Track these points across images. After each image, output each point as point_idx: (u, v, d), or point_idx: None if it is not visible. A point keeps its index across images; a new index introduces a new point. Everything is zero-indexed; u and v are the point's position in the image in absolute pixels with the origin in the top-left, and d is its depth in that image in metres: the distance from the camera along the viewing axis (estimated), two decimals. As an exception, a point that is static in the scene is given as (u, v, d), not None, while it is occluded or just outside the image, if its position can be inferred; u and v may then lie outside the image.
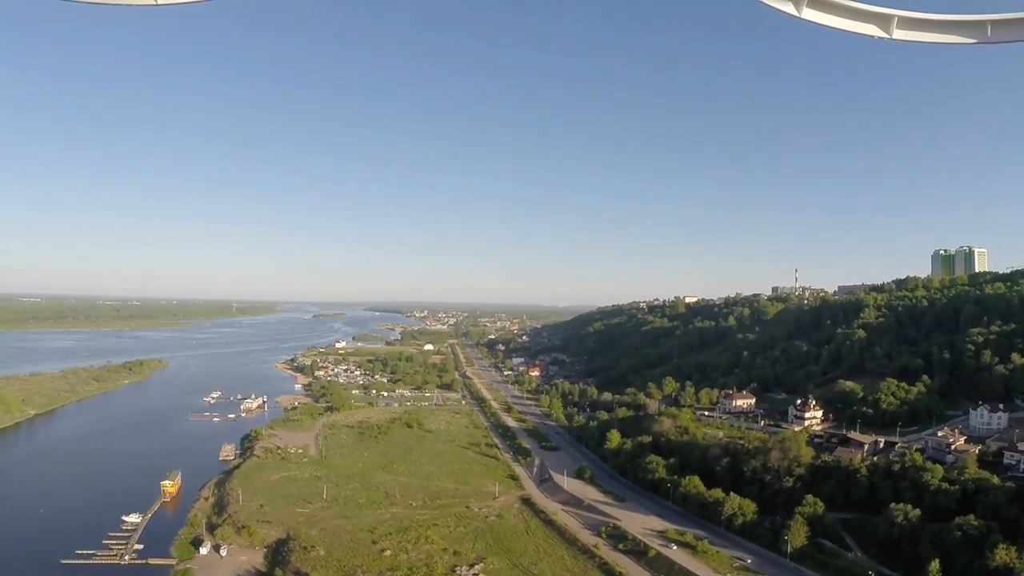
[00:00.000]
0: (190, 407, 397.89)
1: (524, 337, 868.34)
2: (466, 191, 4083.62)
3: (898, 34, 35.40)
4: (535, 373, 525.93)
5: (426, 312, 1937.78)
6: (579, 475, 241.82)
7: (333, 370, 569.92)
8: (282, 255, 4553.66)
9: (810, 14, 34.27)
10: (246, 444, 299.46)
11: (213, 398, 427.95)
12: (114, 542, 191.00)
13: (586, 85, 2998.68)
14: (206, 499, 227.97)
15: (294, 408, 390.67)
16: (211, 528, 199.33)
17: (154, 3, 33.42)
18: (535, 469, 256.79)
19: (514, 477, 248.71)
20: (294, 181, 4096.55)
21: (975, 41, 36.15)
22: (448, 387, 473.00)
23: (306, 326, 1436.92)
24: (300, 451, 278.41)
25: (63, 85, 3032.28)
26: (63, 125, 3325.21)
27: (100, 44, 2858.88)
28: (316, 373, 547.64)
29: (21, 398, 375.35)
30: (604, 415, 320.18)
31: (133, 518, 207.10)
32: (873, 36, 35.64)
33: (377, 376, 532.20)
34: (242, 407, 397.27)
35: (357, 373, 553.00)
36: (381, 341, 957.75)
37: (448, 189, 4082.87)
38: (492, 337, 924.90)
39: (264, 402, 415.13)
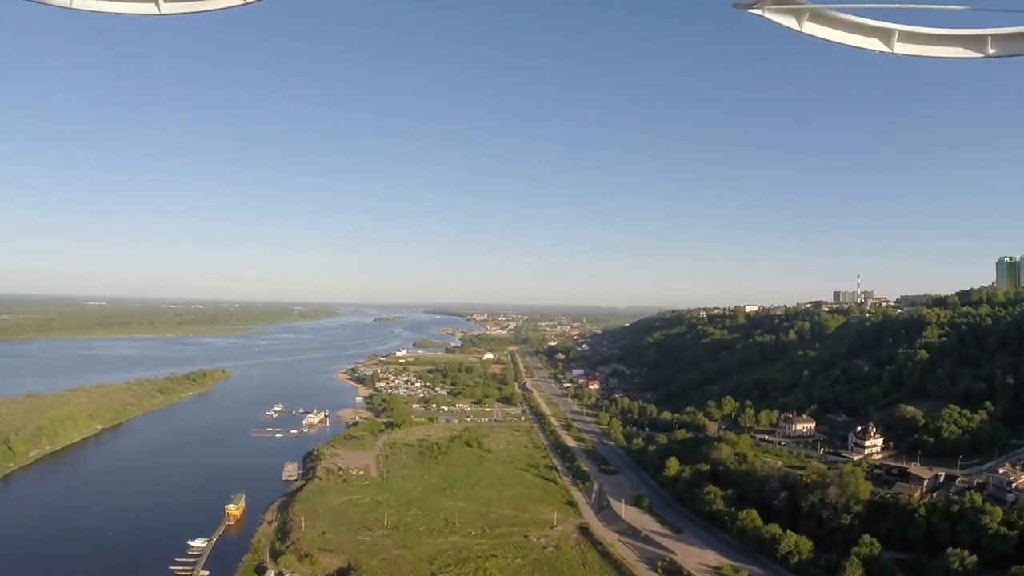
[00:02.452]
0: (252, 421, 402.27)
1: (584, 346, 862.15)
2: (527, 193, 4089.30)
3: (899, 48, 35.40)
4: (595, 386, 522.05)
5: (486, 315, 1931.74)
6: (637, 503, 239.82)
7: (394, 381, 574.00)
8: (343, 257, 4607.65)
9: (811, 28, 34.34)
10: (308, 464, 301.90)
11: (275, 412, 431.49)
12: (180, 568, 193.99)
13: (651, 86, 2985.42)
14: (269, 523, 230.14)
15: (355, 424, 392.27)
16: (275, 555, 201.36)
17: (157, 12, 33.26)
18: (593, 495, 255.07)
19: (572, 504, 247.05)
20: (354, 185, 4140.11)
21: (977, 55, 35.91)
22: (508, 400, 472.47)
23: (367, 331, 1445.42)
24: (361, 472, 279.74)
25: (119, 91, 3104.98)
26: (126, 132, 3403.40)
27: (144, 54, 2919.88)
28: (377, 385, 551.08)
29: (88, 412, 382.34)
30: (663, 438, 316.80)
31: (199, 543, 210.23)
32: (875, 50, 35.50)
33: (437, 388, 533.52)
34: (304, 422, 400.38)
35: (417, 385, 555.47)
36: (441, 348, 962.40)
37: (510, 191, 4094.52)
38: (552, 344, 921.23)
39: (326, 416, 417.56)
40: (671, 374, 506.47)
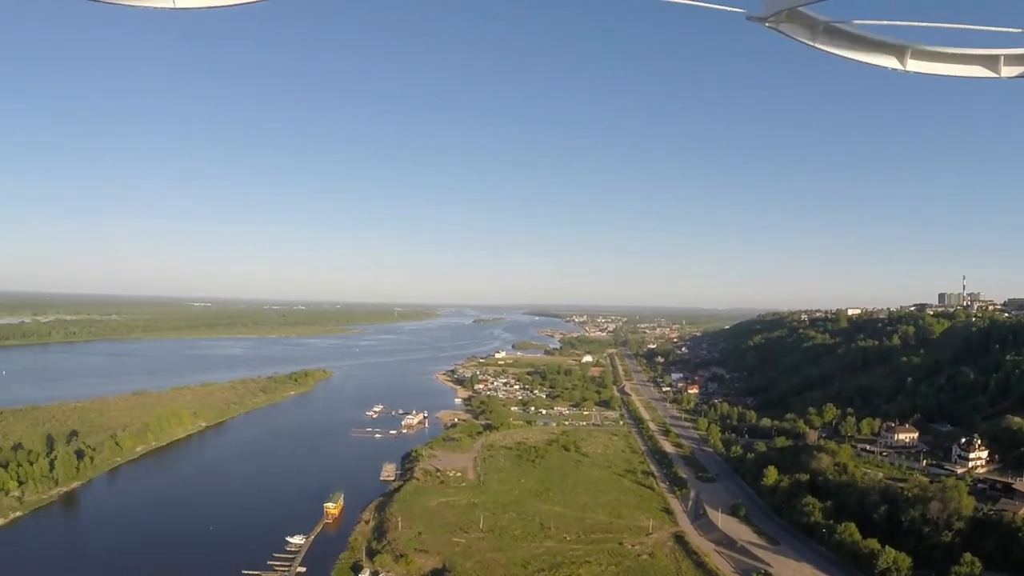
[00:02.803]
0: (352, 422, 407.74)
1: (683, 348, 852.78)
2: (625, 192, 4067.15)
3: (912, 65, 35.22)
4: (694, 391, 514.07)
5: (585, 317, 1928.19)
6: (734, 512, 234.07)
7: (492, 383, 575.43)
8: (443, 259, 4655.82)
9: (825, 44, 34.25)
10: (406, 464, 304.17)
11: (375, 412, 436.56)
12: (278, 563, 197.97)
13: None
14: (366, 522, 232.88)
15: (454, 425, 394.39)
16: (371, 554, 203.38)
17: (172, 7, 32.24)
18: (690, 503, 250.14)
19: (668, 511, 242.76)
20: (456, 188, 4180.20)
21: (991, 74, 35.54)
22: (606, 404, 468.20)
23: (466, 332, 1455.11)
24: (458, 474, 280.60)
25: (211, 87, 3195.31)
26: (245, 142, 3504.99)
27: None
28: (476, 387, 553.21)
29: (192, 410, 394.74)
30: (762, 446, 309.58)
31: (297, 539, 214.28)
32: (888, 68, 35.42)
33: (536, 391, 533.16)
34: (403, 423, 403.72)
35: (516, 387, 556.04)
36: (540, 350, 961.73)
37: (611, 193, 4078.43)
38: (652, 347, 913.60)
39: (425, 418, 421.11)
40: (771, 379, 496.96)
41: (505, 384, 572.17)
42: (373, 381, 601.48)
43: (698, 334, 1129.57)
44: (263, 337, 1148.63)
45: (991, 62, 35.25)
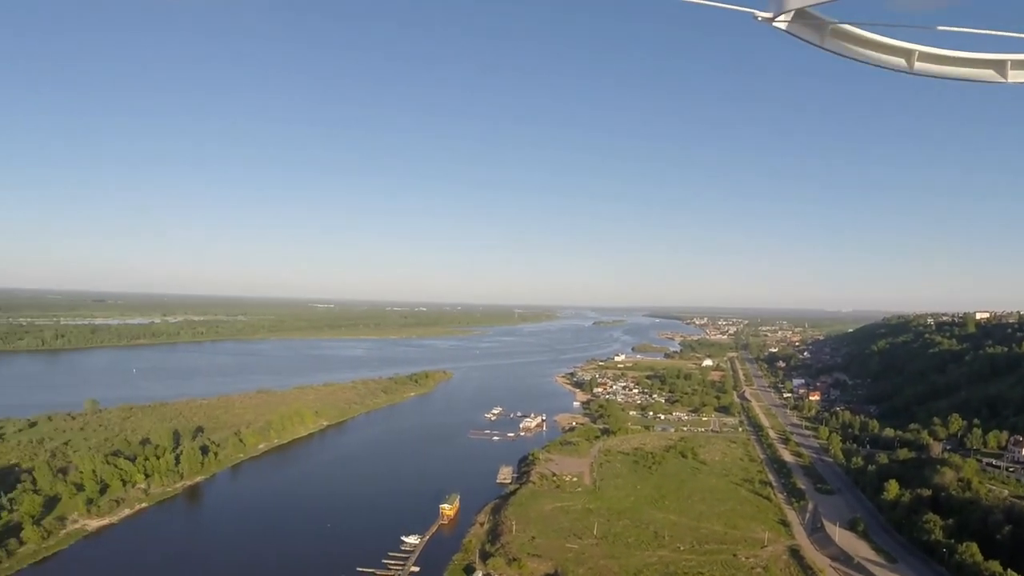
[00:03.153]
0: (471, 423, 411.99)
1: (805, 353, 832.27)
2: (748, 191, 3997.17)
3: (919, 67, 34.95)
4: (815, 398, 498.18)
5: (706, 319, 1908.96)
6: (852, 527, 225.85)
7: (611, 387, 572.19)
8: (563, 260, 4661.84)
9: (833, 44, 34.33)
10: (523, 467, 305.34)
11: (494, 415, 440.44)
12: (393, 562, 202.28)
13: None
14: (481, 524, 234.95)
15: (571, 429, 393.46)
16: (484, 556, 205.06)
17: None
18: (807, 515, 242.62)
19: (785, 523, 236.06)
20: (579, 191, 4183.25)
21: (997, 79, 35.32)
22: (726, 410, 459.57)
23: (586, 334, 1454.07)
24: (574, 479, 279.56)
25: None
26: (387, 144, 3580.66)
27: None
28: (595, 390, 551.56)
29: (315, 409, 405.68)
30: (883, 457, 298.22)
31: (412, 539, 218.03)
32: (895, 69, 35.27)
33: (655, 395, 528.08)
34: (521, 426, 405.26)
35: (635, 391, 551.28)
36: (660, 353, 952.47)
37: (731, 192, 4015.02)
38: (773, 351, 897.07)
39: (543, 421, 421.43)
40: (895, 386, 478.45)
41: (624, 388, 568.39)
42: (492, 383, 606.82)
43: (820, 338, 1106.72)
44: (384, 338, 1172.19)
45: (998, 67, 35.15)
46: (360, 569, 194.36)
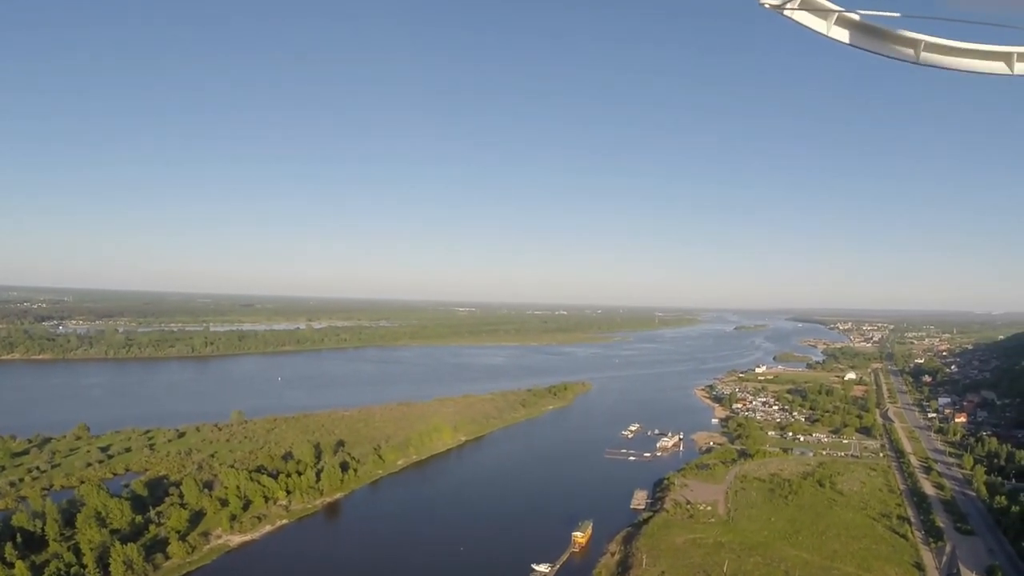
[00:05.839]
0: (608, 441, 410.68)
1: (953, 366, 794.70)
2: (892, 188, 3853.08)
3: (925, 58, 34.85)
4: (961, 419, 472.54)
5: (850, 324, 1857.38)
6: (989, 574, 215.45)
7: (751, 402, 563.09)
8: (707, 261, 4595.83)
9: (838, 33, 34.70)
10: (657, 492, 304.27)
11: (631, 432, 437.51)
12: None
13: None
14: (612, 555, 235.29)
15: (709, 450, 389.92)
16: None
17: None
18: (944, 559, 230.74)
19: (920, 566, 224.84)
20: (730, 188, 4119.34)
21: (1004, 71, 35.07)
22: (867, 432, 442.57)
23: (727, 341, 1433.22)
24: (708, 508, 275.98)
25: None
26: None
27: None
28: (734, 406, 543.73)
29: (453, 424, 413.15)
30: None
31: (542, 568, 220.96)
32: (900, 59, 35.22)
33: (795, 413, 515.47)
34: (658, 445, 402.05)
35: (775, 408, 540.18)
36: (802, 363, 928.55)
37: (876, 189, 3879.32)
38: (918, 361, 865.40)
39: (680, 440, 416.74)
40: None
41: (764, 404, 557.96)
42: (631, 396, 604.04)
43: (969, 346, 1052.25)
44: (524, 345, 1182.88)
45: (1005, 59, 35.19)
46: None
